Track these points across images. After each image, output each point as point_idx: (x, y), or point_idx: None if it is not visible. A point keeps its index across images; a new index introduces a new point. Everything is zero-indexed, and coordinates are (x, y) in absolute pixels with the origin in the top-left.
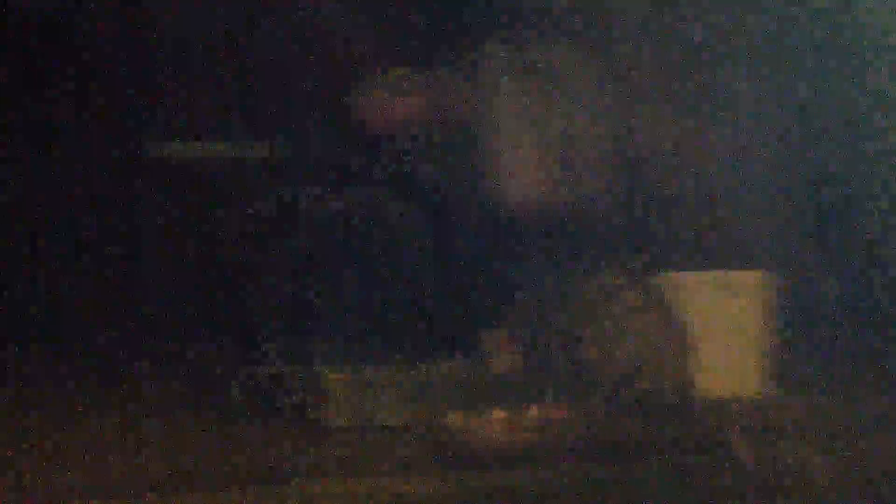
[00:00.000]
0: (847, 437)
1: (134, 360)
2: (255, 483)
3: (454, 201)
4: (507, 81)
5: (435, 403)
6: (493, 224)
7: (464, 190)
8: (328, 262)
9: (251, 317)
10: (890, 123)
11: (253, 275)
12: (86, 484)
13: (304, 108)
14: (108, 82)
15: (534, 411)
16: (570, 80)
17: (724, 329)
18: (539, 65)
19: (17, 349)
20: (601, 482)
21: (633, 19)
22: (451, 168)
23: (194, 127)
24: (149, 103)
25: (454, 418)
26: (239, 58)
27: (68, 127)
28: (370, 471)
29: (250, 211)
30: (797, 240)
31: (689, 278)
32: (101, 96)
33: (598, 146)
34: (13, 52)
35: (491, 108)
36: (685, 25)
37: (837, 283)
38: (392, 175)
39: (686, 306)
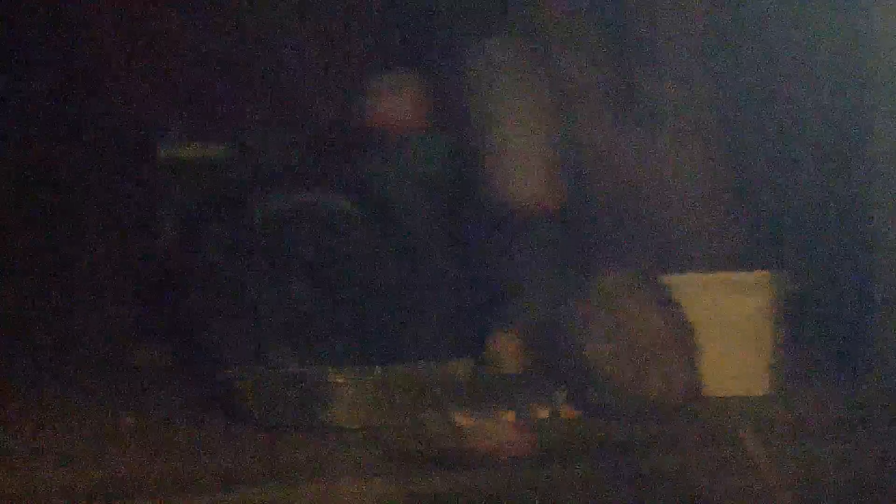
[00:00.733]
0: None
1: (121, 361)
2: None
3: (456, 201)
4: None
5: (438, 403)
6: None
7: (465, 189)
8: (327, 263)
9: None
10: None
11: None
12: (84, 484)
13: (291, 111)
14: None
15: (541, 411)
16: (562, 81)
17: (731, 329)
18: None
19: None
20: (606, 480)
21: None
22: (450, 168)
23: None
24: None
25: (457, 418)
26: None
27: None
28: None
29: (245, 213)
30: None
31: (695, 278)
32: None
33: (598, 146)
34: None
35: (484, 108)
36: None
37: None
38: (391, 176)
39: (692, 306)
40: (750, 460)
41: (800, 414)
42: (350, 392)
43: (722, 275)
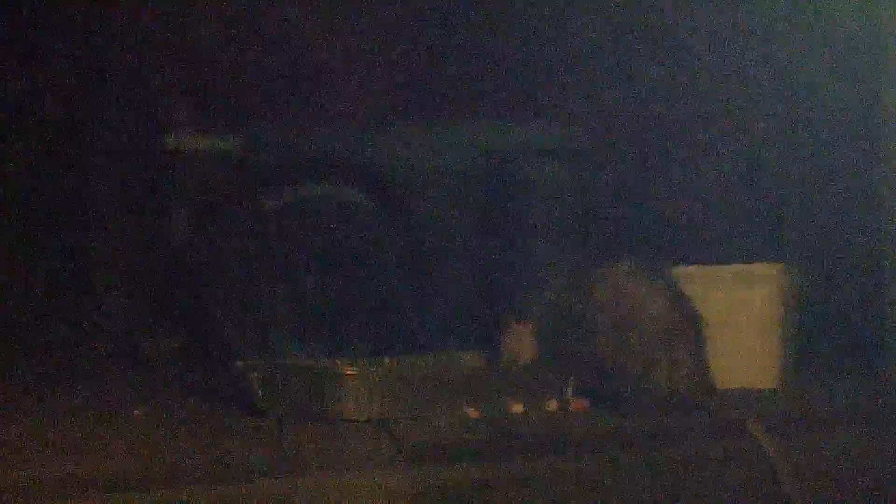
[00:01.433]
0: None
1: (131, 353)
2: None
3: (463, 196)
4: None
5: (448, 395)
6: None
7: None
8: (338, 255)
9: (253, 310)
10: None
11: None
12: (84, 479)
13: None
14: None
15: (550, 403)
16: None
17: (741, 321)
18: None
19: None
20: (616, 472)
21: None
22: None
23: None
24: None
25: (467, 410)
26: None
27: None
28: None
29: (255, 207)
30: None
31: (706, 270)
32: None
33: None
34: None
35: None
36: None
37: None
38: (400, 169)
39: (703, 298)
40: (759, 452)
41: (809, 406)
42: (360, 384)
43: (732, 267)
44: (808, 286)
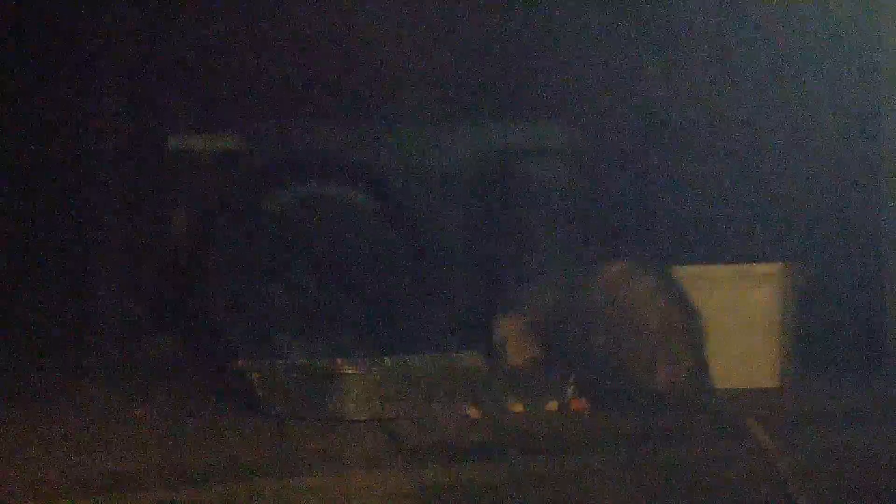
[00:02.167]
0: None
1: (132, 353)
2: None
3: (463, 196)
4: None
5: (448, 395)
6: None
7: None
8: (337, 255)
9: (253, 310)
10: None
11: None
12: (84, 479)
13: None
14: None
15: (550, 403)
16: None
17: (743, 320)
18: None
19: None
20: (616, 472)
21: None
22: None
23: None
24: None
25: (467, 410)
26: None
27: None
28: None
29: (255, 207)
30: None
31: (707, 270)
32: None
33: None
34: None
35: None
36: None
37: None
38: (400, 169)
39: (704, 297)
40: (760, 452)
41: (811, 406)
42: (360, 384)
43: (734, 266)
44: (808, 286)
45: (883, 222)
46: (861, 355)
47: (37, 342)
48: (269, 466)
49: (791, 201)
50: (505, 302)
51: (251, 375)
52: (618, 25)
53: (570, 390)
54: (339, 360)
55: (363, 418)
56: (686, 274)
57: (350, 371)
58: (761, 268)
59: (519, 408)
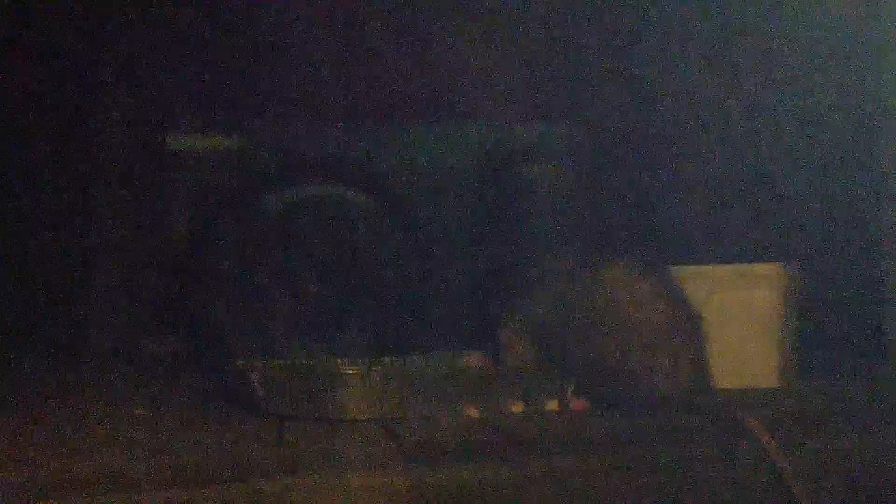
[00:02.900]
0: (865, 425)
1: (131, 352)
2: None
3: (463, 196)
4: None
5: (448, 395)
6: (506, 217)
7: (473, 183)
8: (338, 255)
9: (253, 310)
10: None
11: (257, 269)
12: (84, 479)
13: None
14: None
15: (550, 403)
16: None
17: (742, 320)
18: None
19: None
20: (615, 472)
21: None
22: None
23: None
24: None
25: (466, 410)
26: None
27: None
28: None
29: (255, 207)
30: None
31: (706, 270)
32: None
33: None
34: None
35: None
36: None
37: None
38: (400, 169)
39: (703, 298)
40: (760, 452)
41: (809, 406)
42: (360, 383)
43: (732, 267)
44: (808, 286)
45: (883, 222)
46: (861, 355)
47: (34, 341)
48: (269, 466)
49: (791, 201)
50: (506, 302)
51: (251, 375)
52: (617, 24)
53: (569, 390)
54: (339, 360)
55: (363, 418)
56: (685, 274)
57: (350, 371)
58: (761, 268)
59: (519, 408)
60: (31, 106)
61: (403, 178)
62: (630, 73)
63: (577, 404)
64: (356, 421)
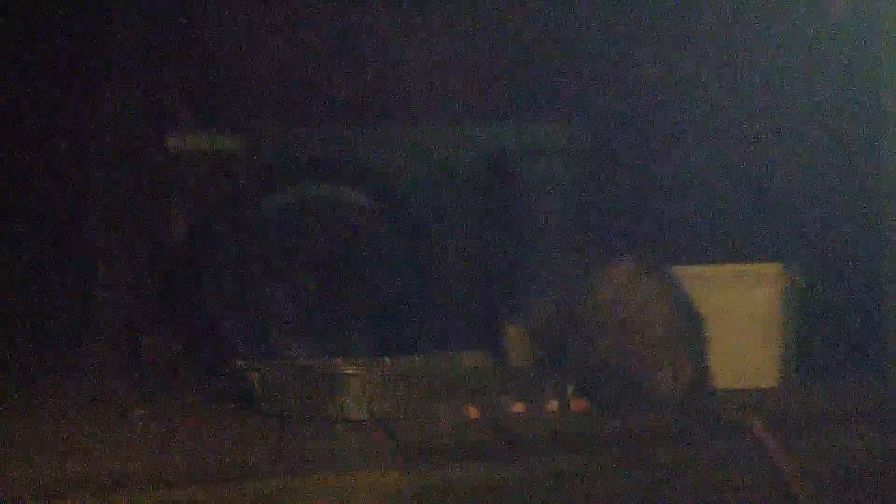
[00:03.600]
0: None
1: (132, 353)
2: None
3: (463, 196)
4: None
5: (448, 395)
6: (506, 217)
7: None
8: (338, 256)
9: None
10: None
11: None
12: (84, 479)
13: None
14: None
15: (551, 403)
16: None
17: (742, 320)
18: None
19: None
20: (616, 473)
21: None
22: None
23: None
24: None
25: (467, 410)
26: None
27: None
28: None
29: (255, 207)
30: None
31: (706, 270)
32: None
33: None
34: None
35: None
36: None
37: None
38: (400, 169)
39: (703, 298)
40: (761, 452)
41: (809, 406)
42: (360, 383)
43: (732, 267)
44: (808, 286)
45: (882, 223)
46: (861, 355)
47: (34, 341)
48: (269, 466)
49: (792, 201)
50: (505, 302)
51: (251, 375)
52: (617, 24)
53: (569, 390)
54: (339, 360)
55: (363, 418)
56: (686, 274)
57: (350, 371)
58: (761, 268)
59: (519, 408)
60: (32, 106)
61: (403, 178)
62: (630, 73)
63: (577, 404)
64: (356, 421)
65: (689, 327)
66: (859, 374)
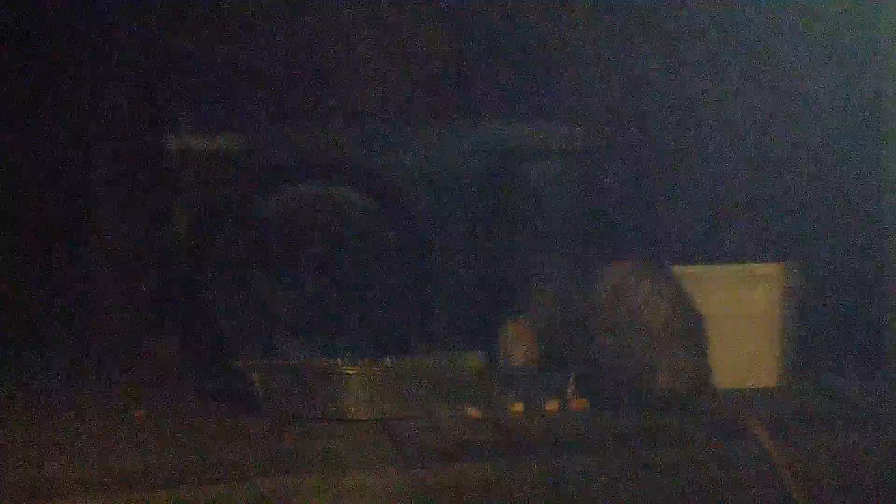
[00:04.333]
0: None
1: (132, 353)
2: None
3: (463, 196)
4: None
5: (449, 395)
6: (506, 217)
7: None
8: (338, 256)
9: (253, 310)
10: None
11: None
12: (84, 479)
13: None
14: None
15: (551, 403)
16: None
17: (743, 320)
18: None
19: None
20: (616, 472)
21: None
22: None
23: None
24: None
25: (468, 410)
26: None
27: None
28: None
29: (255, 207)
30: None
31: (707, 270)
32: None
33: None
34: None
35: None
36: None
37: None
38: (404, 168)
39: (704, 298)
40: (761, 452)
41: (809, 406)
42: (360, 384)
43: (732, 267)
44: (808, 286)
45: (882, 223)
46: (861, 355)
47: (35, 342)
48: (269, 466)
49: (791, 201)
50: (505, 302)
51: (251, 375)
52: (617, 25)
53: (569, 390)
54: (339, 360)
55: (363, 418)
56: (686, 274)
57: (350, 371)
58: (761, 268)
59: (519, 408)
60: (32, 106)
61: (404, 178)
62: (631, 73)
63: (577, 404)
64: (356, 421)
65: (689, 327)
66: (859, 374)
